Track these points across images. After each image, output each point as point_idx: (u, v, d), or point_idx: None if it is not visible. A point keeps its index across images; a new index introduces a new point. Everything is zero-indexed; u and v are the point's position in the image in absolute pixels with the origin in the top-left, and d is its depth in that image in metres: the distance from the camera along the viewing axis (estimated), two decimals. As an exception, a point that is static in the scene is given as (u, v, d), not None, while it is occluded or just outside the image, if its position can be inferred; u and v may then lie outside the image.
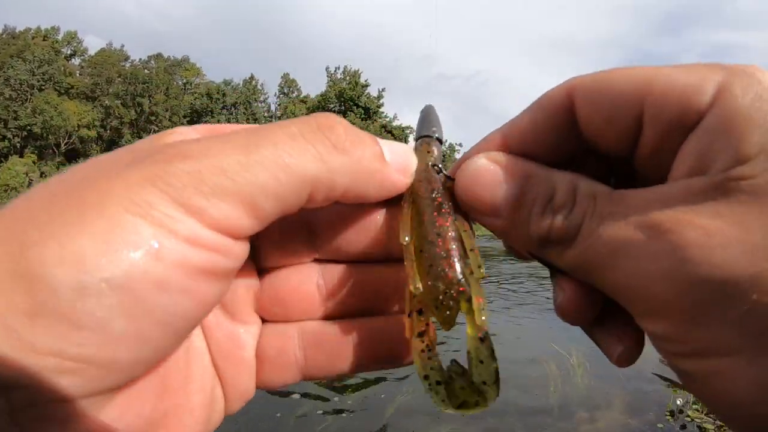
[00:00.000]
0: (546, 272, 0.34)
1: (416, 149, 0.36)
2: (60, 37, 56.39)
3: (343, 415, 3.22)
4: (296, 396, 3.46)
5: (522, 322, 5.65)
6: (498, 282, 8.55)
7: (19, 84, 47.97)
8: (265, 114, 56.36)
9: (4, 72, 47.51)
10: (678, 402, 3.37)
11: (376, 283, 0.36)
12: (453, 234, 0.32)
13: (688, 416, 3.21)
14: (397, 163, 0.32)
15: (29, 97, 48.71)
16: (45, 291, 0.20)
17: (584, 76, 0.31)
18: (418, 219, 0.33)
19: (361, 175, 0.29)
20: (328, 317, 0.35)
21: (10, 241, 0.21)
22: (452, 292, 0.31)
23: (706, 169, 0.25)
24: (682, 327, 0.25)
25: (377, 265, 0.36)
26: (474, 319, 0.30)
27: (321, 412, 3.24)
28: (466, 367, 0.33)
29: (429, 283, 0.31)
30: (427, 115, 0.38)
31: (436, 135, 0.37)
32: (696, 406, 3.28)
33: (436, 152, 0.36)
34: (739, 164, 0.24)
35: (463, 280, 0.31)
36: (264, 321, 0.35)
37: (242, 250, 0.26)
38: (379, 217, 0.34)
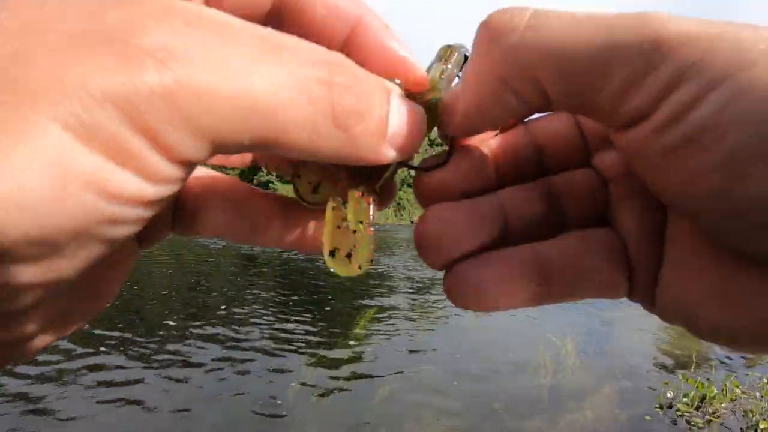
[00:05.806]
0: None
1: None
2: None
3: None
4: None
5: (513, 312, 5.64)
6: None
7: None
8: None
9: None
10: (669, 395, 3.38)
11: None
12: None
13: (678, 410, 3.22)
14: (397, 135, 0.25)
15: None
16: None
17: None
18: None
19: (347, 152, 0.23)
20: None
21: None
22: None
23: None
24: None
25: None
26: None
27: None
28: None
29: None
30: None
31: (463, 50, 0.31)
32: (686, 400, 3.28)
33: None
34: None
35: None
36: None
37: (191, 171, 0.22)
38: None
